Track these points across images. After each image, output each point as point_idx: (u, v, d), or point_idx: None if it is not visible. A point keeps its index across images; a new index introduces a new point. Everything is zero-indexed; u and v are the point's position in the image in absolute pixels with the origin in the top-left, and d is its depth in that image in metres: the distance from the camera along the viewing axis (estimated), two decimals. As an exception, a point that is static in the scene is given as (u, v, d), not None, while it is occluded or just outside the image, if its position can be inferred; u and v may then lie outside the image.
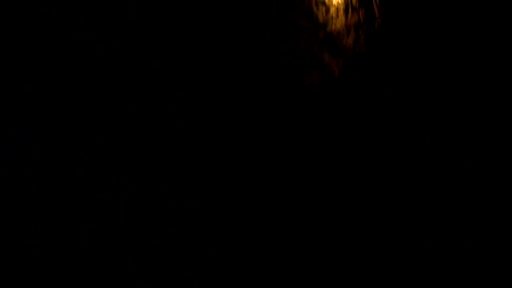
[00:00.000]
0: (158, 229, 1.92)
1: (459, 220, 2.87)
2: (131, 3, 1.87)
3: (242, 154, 3.82)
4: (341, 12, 3.33)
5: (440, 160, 2.96)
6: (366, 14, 3.42)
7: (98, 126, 1.81)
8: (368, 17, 3.46)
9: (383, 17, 3.39)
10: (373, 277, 3.27)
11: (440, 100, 3.05)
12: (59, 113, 1.75)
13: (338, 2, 3.46)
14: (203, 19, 2.51)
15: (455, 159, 2.85)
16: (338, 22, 3.30)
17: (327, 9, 3.34)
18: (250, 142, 3.85)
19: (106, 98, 1.83)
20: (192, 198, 2.07)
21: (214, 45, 3.07)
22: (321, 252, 3.51)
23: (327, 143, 3.62)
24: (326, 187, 3.62)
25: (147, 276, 1.89)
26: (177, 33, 2.09)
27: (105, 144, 1.82)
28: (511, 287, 2.62)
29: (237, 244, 2.43)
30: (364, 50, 3.38)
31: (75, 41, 1.75)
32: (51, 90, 1.73)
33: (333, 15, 3.35)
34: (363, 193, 3.47)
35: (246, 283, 2.48)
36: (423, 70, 3.33)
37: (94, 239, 1.80)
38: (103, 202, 1.82)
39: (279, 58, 3.57)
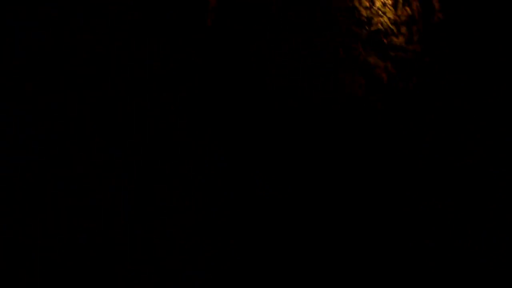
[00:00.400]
0: (158, 229, 1.92)
1: (459, 220, 2.87)
2: (131, 3, 1.87)
3: (242, 154, 3.82)
4: (389, 5, 2.78)
5: (440, 160, 2.97)
6: (422, 6, 2.83)
7: (98, 126, 1.81)
8: (425, 10, 2.87)
9: (444, 10, 2.81)
10: (373, 277, 3.27)
11: (440, 100, 3.05)
12: (59, 113, 1.75)
13: (384, -7, 2.80)
14: (202, 20, 2.51)
15: (455, 159, 2.85)
16: (386, 18, 2.79)
17: (372, 2, 2.82)
18: (250, 142, 3.86)
19: (106, 98, 1.83)
20: (192, 198, 2.07)
21: (214, 45, 3.07)
22: (321, 252, 3.51)
23: (330, 144, 3.62)
24: (326, 187, 3.62)
25: (147, 276, 1.89)
26: (177, 33, 2.09)
27: (105, 144, 1.82)
28: (511, 287, 2.62)
29: (237, 244, 2.43)
30: (419, 51, 2.85)
31: (75, 41, 1.75)
32: (51, 90, 1.73)
33: (380, 9, 2.82)
34: (363, 193, 3.47)
35: (246, 283, 2.48)
36: (489, 73, 2.95)
37: (94, 239, 1.80)
38: (103, 202, 1.82)
39: (279, 58, 3.55)
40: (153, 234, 1.91)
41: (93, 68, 1.79)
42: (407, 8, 2.86)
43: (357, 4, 2.93)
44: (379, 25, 2.89)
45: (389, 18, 2.88)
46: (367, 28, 2.92)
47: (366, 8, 2.92)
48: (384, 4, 2.91)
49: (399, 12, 2.87)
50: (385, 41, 2.91)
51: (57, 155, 1.76)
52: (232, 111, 3.78)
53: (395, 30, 2.89)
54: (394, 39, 2.90)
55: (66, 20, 1.73)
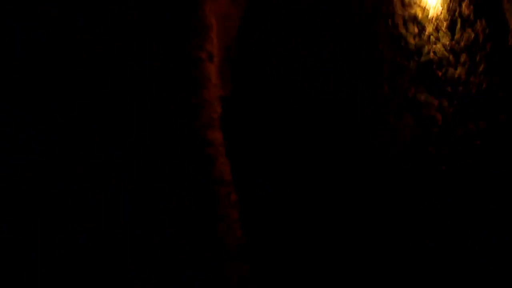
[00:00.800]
0: (158, 229, 1.92)
1: (459, 220, 2.87)
2: (131, 3, 1.87)
3: (242, 154, 3.82)
4: (443, 29, 2.20)
5: (440, 160, 2.96)
6: (490, 27, 2.11)
7: (98, 126, 1.81)
8: (494, 31, 2.13)
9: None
10: (373, 277, 3.27)
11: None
12: (59, 113, 1.75)
13: (437, 16, 2.23)
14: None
15: (455, 159, 2.85)
16: (440, 44, 2.20)
17: (422, 28, 2.26)
18: (250, 142, 3.85)
19: (106, 98, 1.83)
20: (192, 198, 2.07)
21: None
22: (322, 251, 3.51)
23: (330, 144, 3.62)
24: (326, 187, 3.62)
25: (147, 276, 1.89)
26: (177, 33, 2.09)
27: (105, 144, 1.82)
28: (511, 287, 2.62)
29: (237, 244, 2.43)
30: (485, 85, 2.17)
31: (75, 41, 1.75)
32: (51, 90, 1.73)
33: (432, 35, 2.25)
34: (363, 193, 3.47)
35: (246, 283, 2.48)
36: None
37: (94, 239, 1.80)
38: (103, 202, 1.82)
39: (280, 48, 3.52)
40: (153, 234, 1.91)
41: (93, 68, 1.79)
42: (469, 31, 2.21)
43: (403, 31, 2.41)
44: (431, 54, 2.32)
45: (444, 45, 2.29)
46: (416, 58, 2.39)
47: (414, 35, 2.38)
48: (437, 29, 2.33)
49: (458, 36, 2.26)
50: (439, 73, 2.37)
51: (57, 155, 1.76)
52: (232, 111, 3.76)
53: (452, 60, 2.30)
54: (452, 70, 2.32)
55: (66, 20, 1.73)
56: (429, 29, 2.30)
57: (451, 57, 2.26)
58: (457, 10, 2.21)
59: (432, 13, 2.28)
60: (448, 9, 2.21)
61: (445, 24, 2.24)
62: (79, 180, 1.79)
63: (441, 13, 2.25)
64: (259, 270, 3.07)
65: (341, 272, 3.37)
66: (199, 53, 2.20)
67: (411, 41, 2.34)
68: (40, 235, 1.74)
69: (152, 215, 1.92)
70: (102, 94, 1.82)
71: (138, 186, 1.89)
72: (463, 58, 2.23)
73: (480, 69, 2.19)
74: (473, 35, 2.17)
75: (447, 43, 2.26)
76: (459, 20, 2.19)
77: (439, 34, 2.27)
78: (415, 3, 2.29)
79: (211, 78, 2.33)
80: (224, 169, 2.37)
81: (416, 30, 2.33)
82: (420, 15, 2.30)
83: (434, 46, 2.28)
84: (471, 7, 2.17)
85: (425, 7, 2.26)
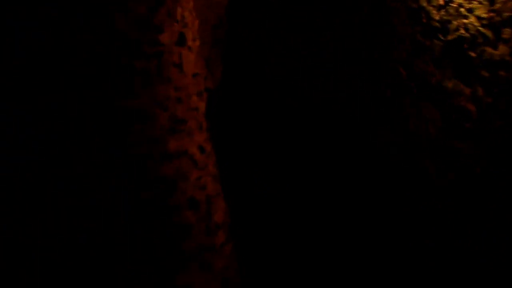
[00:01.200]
0: (158, 229, 1.93)
1: (459, 220, 2.87)
2: (131, 3, 1.87)
3: (242, 153, 3.82)
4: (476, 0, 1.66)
5: (440, 160, 2.97)
6: None
7: (98, 126, 1.81)
8: None
9: None
10: (373, 277, 3.27)
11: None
12: (59, 113, 1.75)
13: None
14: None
15: (455, 159, 2.85)
16: (474, 18, 1.75)
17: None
18: (250, 141, 3.86)
19: (106, 98, 1.83)
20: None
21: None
22: (321, 251, 3.51)
23: (330, 143, 3.62)
24: (326, 187, 3.62)
25: (147, 276, 1.89)
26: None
27: (105, 144, 1.83)
28: (511, 287, 2.63)
29: (237, 243, 2.43)
30: None
31: (75, 41, 1.75)
32: (51, 90, 1.74)
33: (462, 7, 1.79)
34: (363, 193, 3.47)
35: (246, 282, 2.49)
36: None
37: (94, 239, 1.80)
38: (103, 202, 1.82)
39: (278, 46, 3.51)
40: (153, 234, 1.91)
41: (93, 68, 1.79)
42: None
43: (424, 3, 1.96)
44: (461, 31, 1.87)
45: (478, 18, 1.81)
46: (441, 37, 1.96)
47: (438, 7, 1.94)
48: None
49: (499, 6, 1.70)
50: (472, 54, 1.91)
51: (57, 155, 1.76)
52: (231, 110, 3.76)
53: (490, 36, 1.81)
54: (489, 50, 1.82)
55: (66, 20, 1.73)
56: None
57: (488, 33, 1.82)
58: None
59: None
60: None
61: (479, -9, 1.72)
62: (79, 180, 1.79)
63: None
64: (258, 268, 3.07)
65: (342, 272, 3.37)
66: (156, 35, 1.85)
67: (434, 15, 1.94)
68: (40, 235, 1.74)
69: (152, 215, 1.92)
70: (102, 94, 1.82)
71: (138, 186, 1.89)
72: (506, 33, 1.78)
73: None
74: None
75: (484, 15, 1.80)
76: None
77: (472, 5, 1.84)
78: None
79: (183, 67, 1.99)
80: (202, 184, 2.04)
81: (440, 1, 1.93)
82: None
83: (464, 20, 1.85)
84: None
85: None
